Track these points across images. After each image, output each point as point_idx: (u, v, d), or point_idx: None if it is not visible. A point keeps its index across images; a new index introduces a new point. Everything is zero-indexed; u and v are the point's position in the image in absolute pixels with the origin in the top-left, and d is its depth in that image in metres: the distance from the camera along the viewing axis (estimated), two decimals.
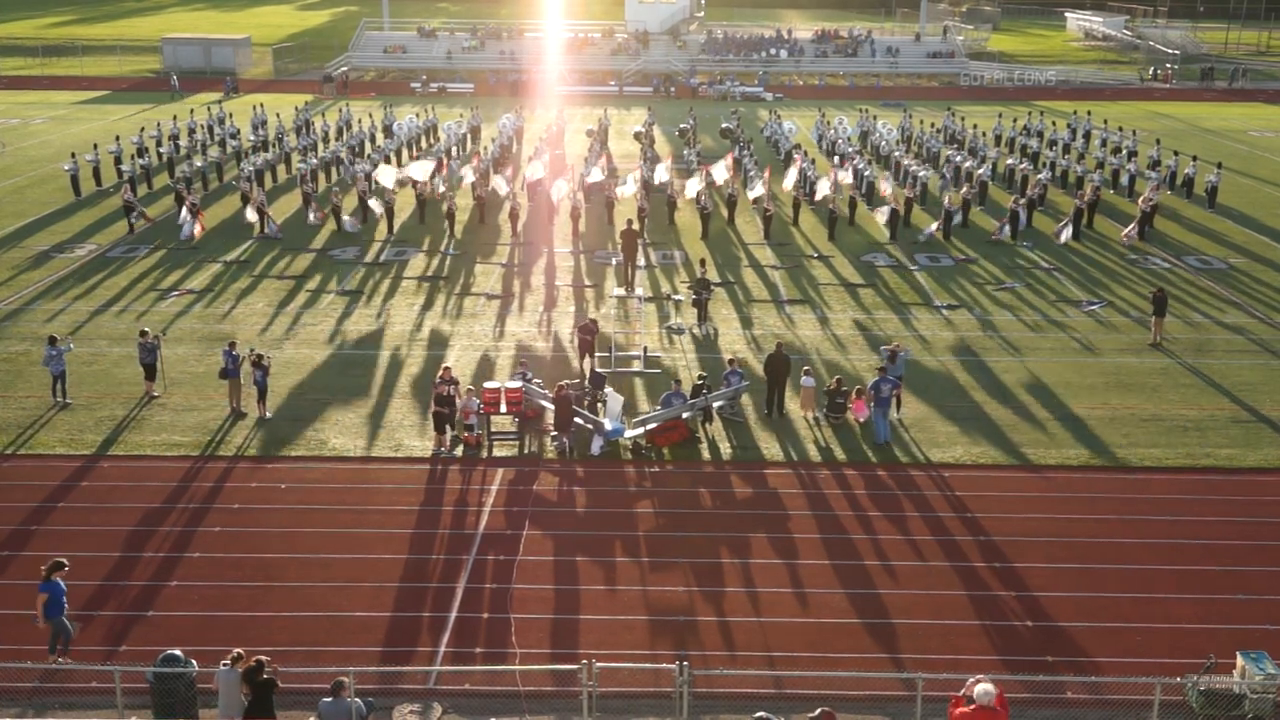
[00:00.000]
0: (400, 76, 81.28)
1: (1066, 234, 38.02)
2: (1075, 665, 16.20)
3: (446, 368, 23.82)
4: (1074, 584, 18.30)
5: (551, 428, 23.59)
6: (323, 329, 29.73)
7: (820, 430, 24.06)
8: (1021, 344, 29.00)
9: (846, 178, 41.36)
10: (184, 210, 38.62)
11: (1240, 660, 15.06)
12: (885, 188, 40.17)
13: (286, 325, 29.91)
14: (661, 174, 41.76)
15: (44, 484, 21.16)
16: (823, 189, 40.34)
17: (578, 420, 23.01)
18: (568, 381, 23.68)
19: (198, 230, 37.91)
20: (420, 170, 40.83)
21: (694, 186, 39.76)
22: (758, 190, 39.67)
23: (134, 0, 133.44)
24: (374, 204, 39.52)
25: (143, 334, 25.08)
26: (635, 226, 34.84)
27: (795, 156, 45.34)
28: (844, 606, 17.67)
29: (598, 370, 25.71)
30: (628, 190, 39.89)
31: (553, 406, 23.43)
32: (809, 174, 44.04)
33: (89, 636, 16.66)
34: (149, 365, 24.94)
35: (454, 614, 17.38)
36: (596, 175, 40.91)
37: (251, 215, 38.68)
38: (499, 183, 40.84)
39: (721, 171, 40.99)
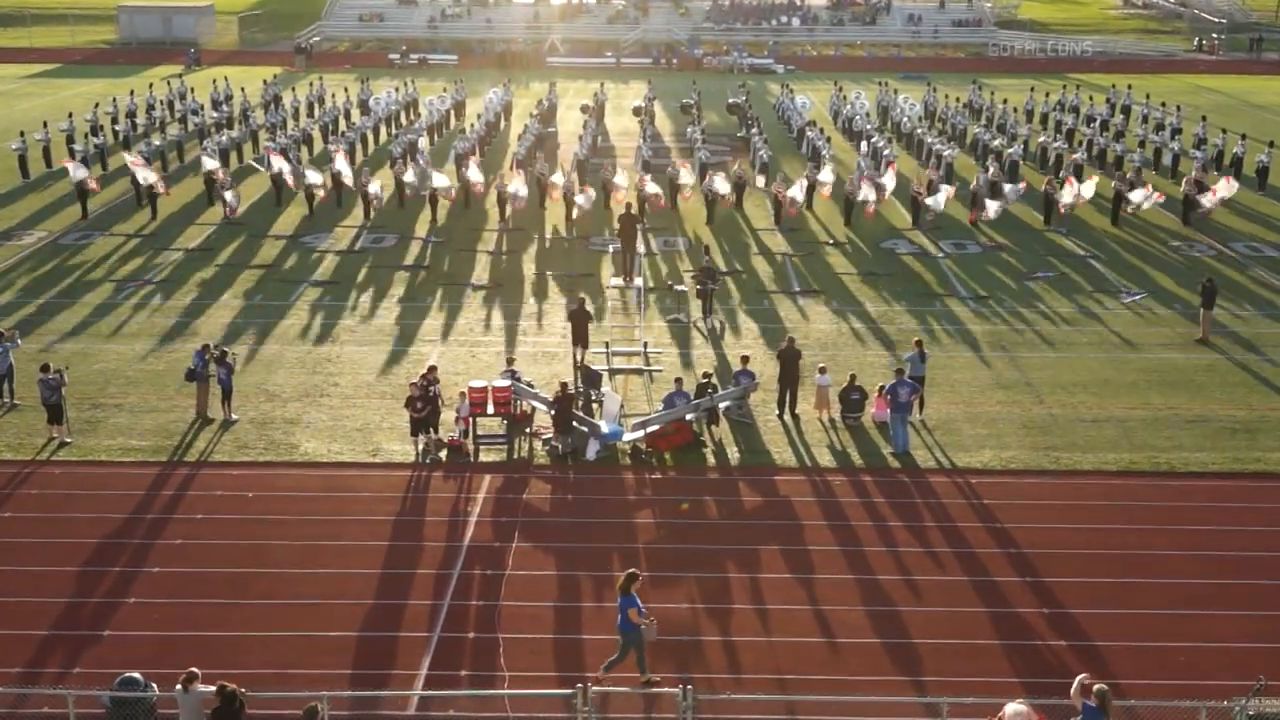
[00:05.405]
0: (377, 47, 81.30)
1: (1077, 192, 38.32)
2: (1114, 688, 16.16)
3: (433, 367, 23.89)
4: (1112, 600, 18.32)
5: (543, 430, 23.63)
6: (293, 323, 29.75)
7: (836, 433, 24.08)
8: (1055, 338, 29.02)
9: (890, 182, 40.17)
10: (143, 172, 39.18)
11: None
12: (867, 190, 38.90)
13: (254, 319, 29.93)
14: (686, 176, 40.87)
15: None
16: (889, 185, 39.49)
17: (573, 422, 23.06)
18: (569, 380, 23.72)
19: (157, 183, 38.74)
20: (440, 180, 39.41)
21: (798, 190, 38.62)
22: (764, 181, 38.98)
23: None
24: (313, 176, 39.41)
25: (43, 369, 23.04)
26: (634, 211, 34.84)
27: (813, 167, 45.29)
28: (861, 624, 17.69)
29: (593, 368, 25.74)
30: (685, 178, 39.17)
31: (545, 407, 23.46)
32: (823, 151, 44.11)
33: (41, 658, 16.66)
34: (52, 406, 22.86)
35: (437, 634, 17.39)
36: (558, 178, 39.12)
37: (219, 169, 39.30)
38: (518, 186, 38.37)
39: (828, 176, 40.07)
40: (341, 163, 40.43)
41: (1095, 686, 13.68)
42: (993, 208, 37.77)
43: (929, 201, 37.85)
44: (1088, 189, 38.76)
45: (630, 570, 16.31)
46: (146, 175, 39.06)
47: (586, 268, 34.39)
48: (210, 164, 40.43)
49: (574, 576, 18.89)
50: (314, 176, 39.35)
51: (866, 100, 57.09)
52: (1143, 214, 39.65)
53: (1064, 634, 17.50)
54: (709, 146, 47.23)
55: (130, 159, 40.29)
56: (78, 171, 38.59)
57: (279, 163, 40.42)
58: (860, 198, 37.87)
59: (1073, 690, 13.88)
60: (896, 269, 34.31)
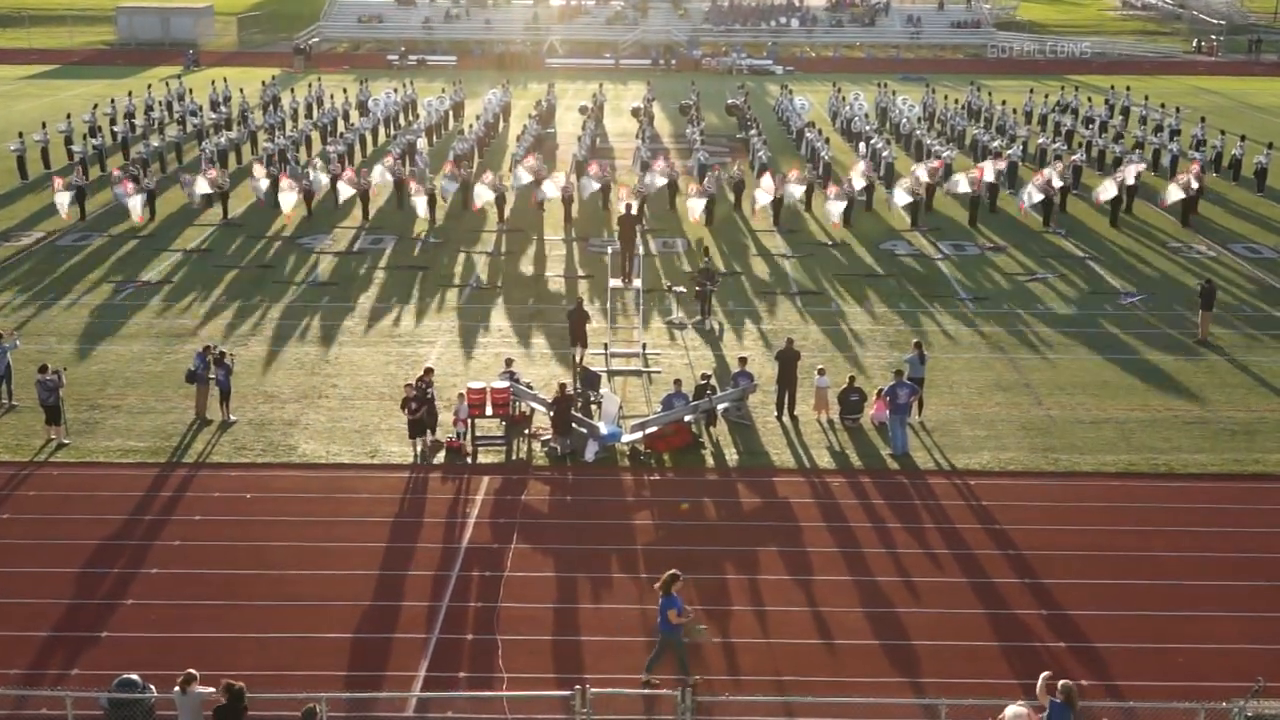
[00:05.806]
0: (376, 48, 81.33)
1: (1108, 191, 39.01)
2: (1112, 689, 16.23)
3: (429, 369, 23.86)
4: (1111, 601, 18.32)
5: (542, 431, 23.63)
6: (293, 324, 29.73)
7: (835, 434, 24.08)
8: (1054, 340, 29.02)
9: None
10: (131, 189, 38.38)
11: None
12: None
13: (253, 320, 29.92)
14: (658, 180, 40.50)
15: None
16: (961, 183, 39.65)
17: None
18: (568, 381, 23.72)
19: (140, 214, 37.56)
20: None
21: (837, 209, 37.78)
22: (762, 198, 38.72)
23: None
24: (343, 186, 39.24)
25: (41, 370, 23.11)
26: (634, 212, 34.83)
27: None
28: (860, 626, 17.69)
29: (591, 369, 25.74)
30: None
31: (543, 408, 23.44)
32: (823, 154, 44.13)
33: (39, 660, 16.66)
34: (50, 407, 22.97)
35: (435, 635, 17.39)
36: (551, 191, 38.78)
37: (202, 187, 38.66)
38: (544, 184, 38.77)
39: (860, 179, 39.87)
40: (342, 184, 39.81)
41: (1060, 683, 13.72)
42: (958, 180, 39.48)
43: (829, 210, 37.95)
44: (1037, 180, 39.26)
45: (672, 571, 16.28)
46: (203, 186, 38.51)
47: (586, 268, 34.38)
48: (202, 188, 38.96)
49: (572, 578, 18.88)
50: (287, 198, 37.82)
51: (865, 101, 57.04)
52: (1142, 215, 39.67)
53: (1063, 635, 17.50)
54: (708, 147, 47.18)
55: (199, 178, 39.03)
56: (69, 207, 37.63)
57: (263, 180, 39.82)
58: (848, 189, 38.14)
59: (1038, 688, 13.92)
60: (896, 270, 34.30)
